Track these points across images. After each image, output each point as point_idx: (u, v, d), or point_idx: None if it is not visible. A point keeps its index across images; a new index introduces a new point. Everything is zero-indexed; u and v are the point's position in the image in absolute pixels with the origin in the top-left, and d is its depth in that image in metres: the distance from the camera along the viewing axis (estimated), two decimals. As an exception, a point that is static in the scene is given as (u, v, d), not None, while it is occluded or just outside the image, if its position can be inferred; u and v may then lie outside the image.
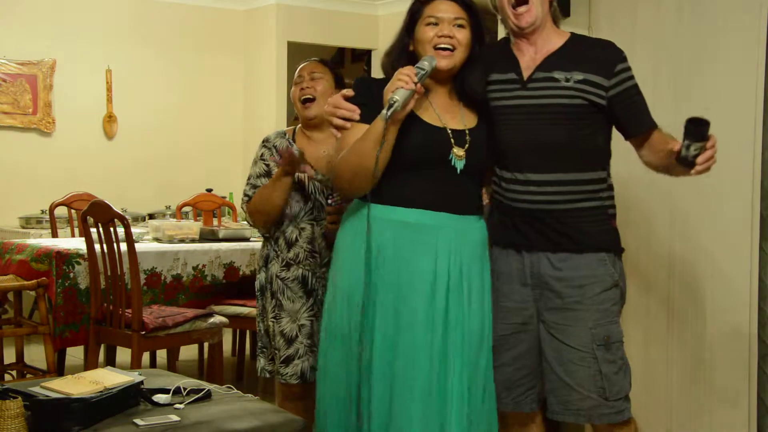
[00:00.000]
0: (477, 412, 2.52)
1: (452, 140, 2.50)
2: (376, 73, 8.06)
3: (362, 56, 8.88)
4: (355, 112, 2.52)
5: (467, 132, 2.53)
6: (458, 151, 2.50)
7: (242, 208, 3.10)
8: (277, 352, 2.98)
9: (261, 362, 3.08)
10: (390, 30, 9.22)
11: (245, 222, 4.78)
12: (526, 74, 2.57)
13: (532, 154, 2.53)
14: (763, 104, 3.21)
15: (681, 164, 2.39)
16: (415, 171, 2.49)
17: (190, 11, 7.43)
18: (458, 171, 2.50)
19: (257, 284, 3.07)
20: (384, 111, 2.36)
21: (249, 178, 3.07)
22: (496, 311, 2.60)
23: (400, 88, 2.36)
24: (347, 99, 2.55)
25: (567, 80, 2.52)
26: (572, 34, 2.65)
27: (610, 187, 2.63)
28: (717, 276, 3.34)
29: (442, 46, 2.48)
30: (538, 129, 2.53)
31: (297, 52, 7.75)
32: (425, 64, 2.43)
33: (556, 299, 2.56)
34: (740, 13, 3.25)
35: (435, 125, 2.51)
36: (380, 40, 7.97)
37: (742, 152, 3.24)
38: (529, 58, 2.59)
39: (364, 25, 7.88)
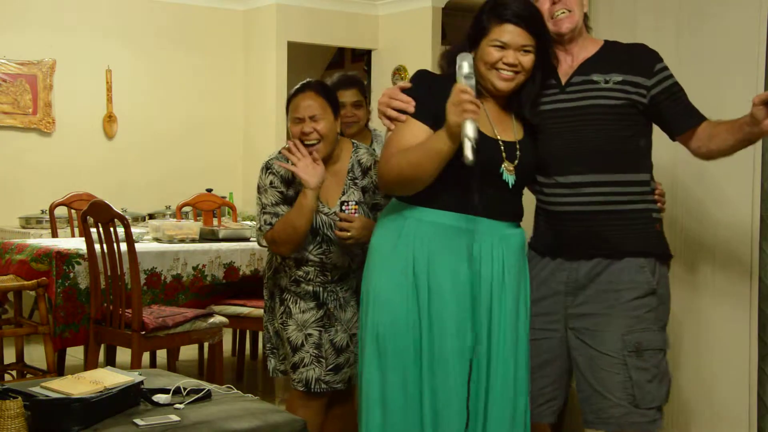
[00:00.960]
0: (518, 418, 2.50)
1: (504, 154, 2.47)
2: (376, 72, 8.06)
3: (362, 56, 8.88)
4: (410, 104, 2.45)
5: (518, 145, 2.50)
6: (509, 166, 2.47)
7: (259, 239, 2.97)
8: (287, 356, 2.99)
9: (272, 363, 3.06)
10: (390, 30, 9.26)
11: (245, 222, 4.79)
12: (564, 79, 2.56)
13: (575, 156, 2.52)
14: (764, 104, 3.20)
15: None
16: (464, 178, 2.42)
17: (190, 11, 7.43)
18: (509, 185, 2.47)
19: (267, 289, 3.06)
20: (468, 155, 2.24)
21: (264, 208, 2.92)
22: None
23: (470, 118, 2.26)
24: (404, 91, 2.49)
25: (606, 81, 2.52)
26: (606, 40, 2.65)
27: (653, 191, 2.61)
28: (717, 276, 3.34)
29: (505, 72, 2.44)
30: (580, 131, 2.52)
31: (297, 52, 7.76)
32: (465, 68, 2.33)
33: (589, 305, 2.53)
34: (740, 20, 3.25)
35: (488, 136, 2.47)
36: (380, 40, 7.97)
37: (742, 153, 3.23)
38: (566, 65, 2.59)
39: (364, 25, 7.88)
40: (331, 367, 2.94)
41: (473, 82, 2.33)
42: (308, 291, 2.94)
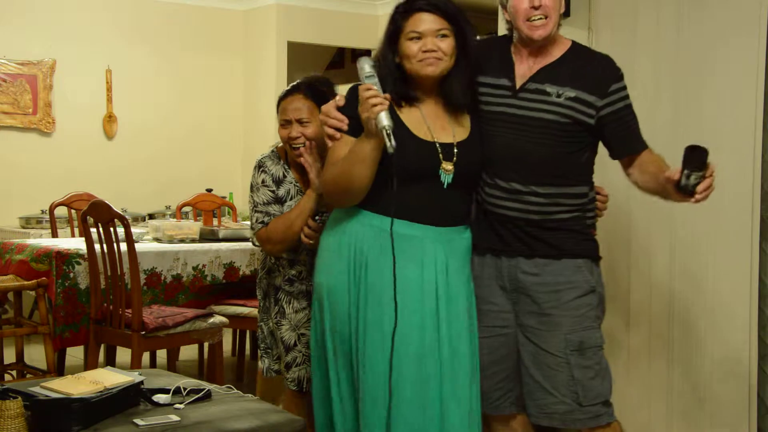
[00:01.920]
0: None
1: (441, 155, 2.50)
2: (376, 73, 8.05)
3: (362, 56, 8.87)
4: (344, 122, 2.52)
5: (455, 145, 2.52)
6: (446, 166, 2.50)
7: (252, 237, 2.99)
8: (280, 356, 2.99)
9: (266, 362, 3.06)
10: (390, 30, 8.91)
11: (245, 222, 4.78)
12: (519, 83, 2.55)
13: (516, 163, 2.53)
14: (764, 106, 3.21)
15: (680, 192, 2.37)
16: (404, 183, 2.47)
17: (190, 11, 7.43)
18: (445, 185, 2.50)
19: (260, 288, 3.06)
20: (387, 143, 2.34)
21: (256, 206, 2.94)
22: (477, 315, 2.60)
23: (380, 111, 2.35)
24: (339, 108, 2.55)
25: (558, 95, 2.51)
26: (573, 43, 2.61)
27: (592, 200, 2.63)
28: (717, 276, 3.34)
29: (428, 59, 2.46)
30: (524, 140, 2.52)
31: (297, 52, 7.76)
32: (366, 69, 2.44)
33: (532, 304, 2.56)
34: (740, 15, 3.25)
35: (425, 139, 2.50)
36: (380, 40, 7.97)
37: (742, 154, 3.24)
38: (526, 67, 2.57)
39: (364, 25, 7.87)
40: None
41: (376, 80, 2.41)
42: (302, 290, 2.94)
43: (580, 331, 2.54)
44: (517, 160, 2.53)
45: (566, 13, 3.51)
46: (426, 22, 2.46)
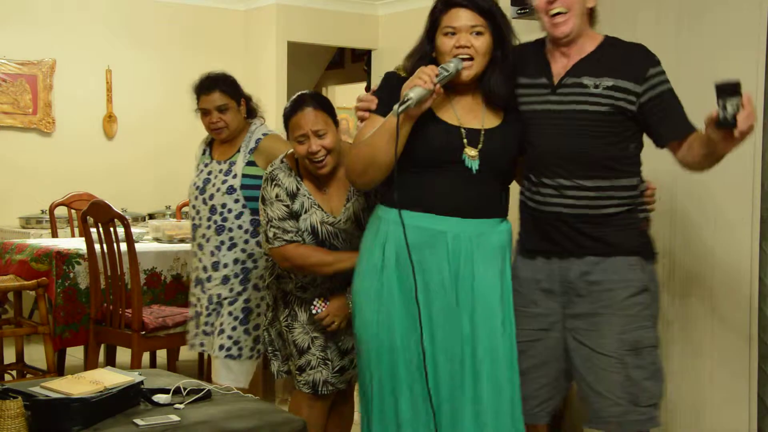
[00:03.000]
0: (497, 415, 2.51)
1: (465, 140, 2.49)
2: (376, 72, 8.05)
3: (362, 56, 8.87)
4: (372, 102, 2.54)
5: (483, 132, 2.51)
6: (470, 151, 2.49)
7: (266, 249, 2.93)
8: (292, 358, 2.98)
9: (275, 365, 3.05)
10: (390, 30, 9.24)
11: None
12: (556, 80, 2.54)
13: (562, 159, 2.51)
14: (764, 106, 3.21)
15: (722, 128, 2.25)
16: (429, 171, 2.49)
17: (190, 11, 7.43)
18: (473, 171, 2.48)
19: (269, 298, 3.06)
20: (396, 106, 2.36)
21: (270, 221, 2.85)
22: (518, 318, 2.58)
23: (418, 86, 2.36)
24: (372, 92, 2.59)
25: (596, 86, 2.49)
26: (606, 37, 2.60)
27: (642, 193, 2.59)
28: (717, 276, 3.34)
29: (461, 56, 2.46)
30: (567, 135, 2.50)
31: (297, 52, 7.76)
32: (450, 66, 2.43)
33: (583, 304, 2.53)
34: (740, 17, 3.25)
35: (450, 123, 2.50)
36: (380, 40, 7.97)
37: (742, 153, 3.23)
38: (561, 64, 2.56)
39: (364, 25, 7.88)
40: (336, 369, 2.95)
41: (445, 74, 2.40)
42: (315, 295, 2.93)
43: (634, 330, 2.50)
44: (561, 155, 2.51)
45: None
46: (462, 18, 2.46)
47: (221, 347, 3.37)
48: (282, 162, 2.93)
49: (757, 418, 3.26)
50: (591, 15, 2.58)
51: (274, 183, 2.88)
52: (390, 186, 2.50)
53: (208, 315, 3.44)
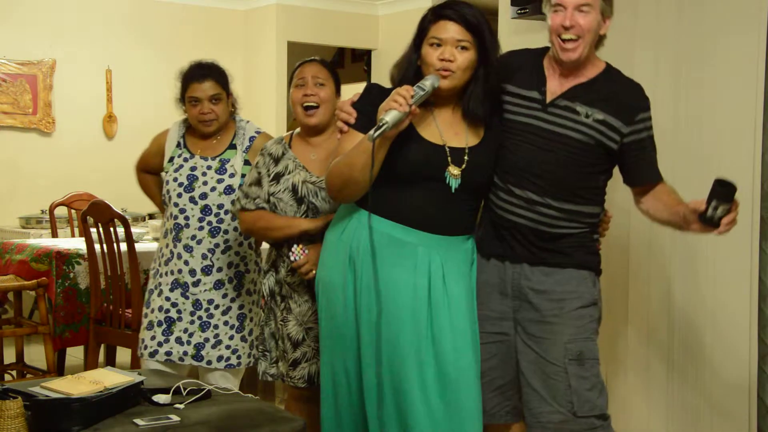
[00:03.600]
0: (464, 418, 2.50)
1: (449, 158, 2.50)
2: (376, 72, 8.06)
3: (362, 56, 8.88)
4: (351, 116, 2.55)
5: (467, 150, 2.52)
6: (454, 170, 2.49)
7: (232, 210, 3.06)
8: (285, 355, 2.97)
9: (262, 366, 3.05)
10: (390, 30, 9.23)
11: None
12: (549, 97, 2.54)
13: (536, 176, 2.52)
14: (764, 105, 3.21)
15: (704, 223, 2.37)
16: (409, 186, 2.49)
17: (190, 11, 7.43)
18: (452, 190, 2.50)
19: (265, 288, 3.06)
20: (371, 131, 2.35)
21: (241, 186, 3.02)
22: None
23: (393, 109, 2.35)
24: (352, 103, 2.58)
25: (587, 116, 2.50)
26: (607, 65, 2.60)
27: (601, 220, 2.65)
28: (717, 276, 3.34)
29: (442, 69, 2.45)
30: (548, 155, 2.52)
31: (297, 52, 7.76)
32: (426, 84, 2.42)
33: (534, 312, 2.56)
34: (740, 13, 3.25)
35: (434, 142, 2.51)
36: (380, 40, 7.97)
37: (742, 154, 3.24)
38: (557, 83, 2.56)
39: (364, 25, 7.88)
40: None
41: (421, 93, 2.39)
42: (303, 280, 2.94)
43: (580, 341, 2.53)
44: (537, 173, 2.52)
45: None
46: (449, 30, 2.46)
47: (220, 358, 3.28)
48: (275, 138, 3.09)
49: (756, 418, 3.26)
50: (599, 40, 2.57)
51: (261, 152, 3.02)
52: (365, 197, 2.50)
53: (190, 322, 3.26)
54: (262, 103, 7.44)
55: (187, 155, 3.35)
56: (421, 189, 2.50)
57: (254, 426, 2.33)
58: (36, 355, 4.95)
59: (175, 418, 2.31)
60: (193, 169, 3.30)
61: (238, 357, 3.31)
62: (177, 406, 2.42)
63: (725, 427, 3.32)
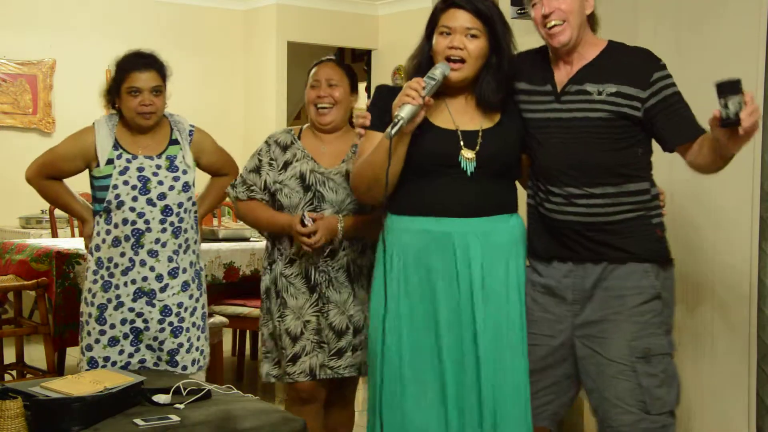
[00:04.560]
0: (506, 413, 2.51)
1: (461, 142, 2.49)
2: (376, 72, 8.06)
3: (362, 56, 8.88)
4: (366, 118, 2.57)
5: (480, 133, 2.51)
6: (467, 153, 2.48)
7: (230, 196, 3.08)
8: (283, 351, 2.97)
9: (265, 367, 3.04)
10: (390, 30, 9.24)
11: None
12: (559, 87, 2.53)
13: (569, 168, 2.49)
14: (763, 105, 3.21)
15: (726, 127, 2.21)
16: (428, 176, 2.50)
17: (190, 11, 7.44)
18: (468, 174, 2.48)
19: (262, 286, 3.06)
20: (389, 129, 2.36)
21: (244, 170, 3.07)
22: (528, 319, 2.58)
23: (407, 103, 2.36)
24: (367, 108, 2.61)
25: (599, 93, 2.47)
26: (609, 42, 2.58)
27: (655, 197, 2.57)
28: (718, 276, 3.34)
29: (453, 57, 2.46)
30: (572, 143, 2.49)
31: (297, 52, 7.76)
32: (436, 73, 2.42)
33: (595, 311, 2.52)
34: (740, 12, 3.25)
35: (446, 128, 2.51)
36: (380, 40, 7.97)
37: (742, 154, 3.23)
38: (564, 72, 2.55)
39: (364, 25, 7.88)
40: (333, 351, 2.94)
41: (432, 83, 2.40)
42: (300, 272, 2.94)
43: (645, 337, 2.48)
44: (568, 164, 2.49)
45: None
46: (459, 18, 2.46)
47: (194, 362, 3.17)
48: (284, 128, 3.14)
49: (756, 418, 3.26)
50: (591, 21, 2.56)
51: (266, 140, 3.07)
52: (391, 197, 2.52)
53: (160, 330, 3.08)
54: (262, 103, 7.44)
55: (129, 156, 3.10)
56: (440, 176, 2.49)
57: (254, 426, 2.33)
58: (36, 355, 4.95)
59: (175, 418, 2.32)
60: (140, 169, 3.08)
61: (205, 357, 3.24)
62: (177, 406, 2.42)
63: (725, 427, 3.32)
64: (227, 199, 3.24)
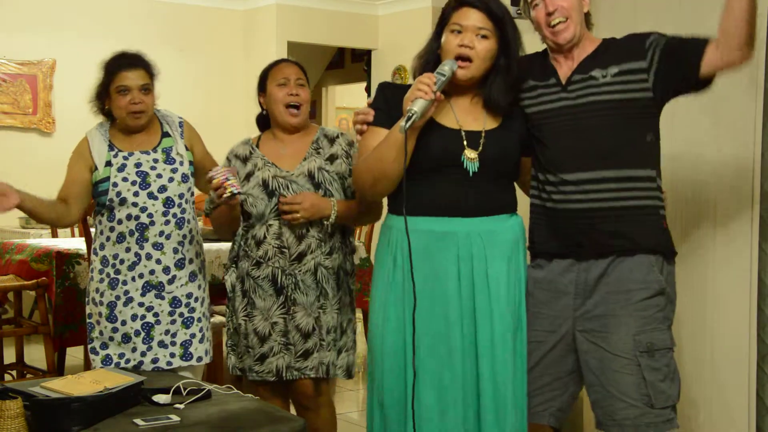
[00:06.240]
0: (505, 411, 2.52)
1: (464, 142, 2.50)
2: (376, 72, 8.06)
3: (362, 56, 8.88)
4: (369, 114, 2.58)
5: (483, 134, 2.52)
6: (470, 154, 2.49)
7: (205, 213, 3.16)
8: (251, 350, 2.99)
9: (232, 360, 3.09)
10: (390, 30, 9.24)
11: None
12: (564, 79, 2.57)
13: (579, 153, 2.51)
14: (763, 105, 3.21)
15: None
16: (431, 176, 2.50)
17: (190, 11, 7.44)
18: (470, 174, 2.49)
19: (228, 284, 3.07)
20: (402, 123, 2.37)
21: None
22: (529, 317, 2.59)
23: (419, 98, 2.37)
24: (369, 104, 2.62)
25: (605, 76, 2.51)
26: (604, 39, 2.63)
27: (660, 189, 2.60)
28: (718, 276, 3.34)
29: (461, 55, 2.47)
30: (583, 128, 2.51)
31: (297, 52, 7.77)
32: (445, 69, 2.43)
33: (598, 305, 2.52)
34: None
35: (450, 127, 2.52)
36: (380, 40, 7.97)
37: (742, 153, 3.24)
38: (567, 67, 2.59)
39: (364, 25, 7.88)
40: (300, 353, 2.95)
41: (443, 78, 2.41)
42: (267, 275, 2.96)
43: (648, 332, 2.50)
44: (580, 150, 2.51)
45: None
46: (471, 17, 2.48)
47: (207, 352, 3.19)
48: (243, 140, 3.18)
49: (756, 418, 3.26)
50: (587, 19, 2.63)
51: (227, 155, 3.14)
52: (395, 195, 2.53)
53: (171, 322, 3.09)
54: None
55: (125, 153, 3.13)
56: (443, 176, 2.50)
57: (254, 426, 2.33)
58: (36, 355, 4.95)
59: (175, 418, 2.32)
60: (138, 165, 3.11)
61: (212, 346, 3.26)
62: (177, 406, 2.42)
63: (725, 427, 3.32)
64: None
